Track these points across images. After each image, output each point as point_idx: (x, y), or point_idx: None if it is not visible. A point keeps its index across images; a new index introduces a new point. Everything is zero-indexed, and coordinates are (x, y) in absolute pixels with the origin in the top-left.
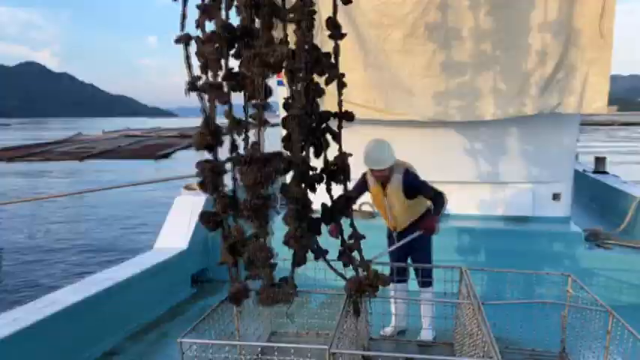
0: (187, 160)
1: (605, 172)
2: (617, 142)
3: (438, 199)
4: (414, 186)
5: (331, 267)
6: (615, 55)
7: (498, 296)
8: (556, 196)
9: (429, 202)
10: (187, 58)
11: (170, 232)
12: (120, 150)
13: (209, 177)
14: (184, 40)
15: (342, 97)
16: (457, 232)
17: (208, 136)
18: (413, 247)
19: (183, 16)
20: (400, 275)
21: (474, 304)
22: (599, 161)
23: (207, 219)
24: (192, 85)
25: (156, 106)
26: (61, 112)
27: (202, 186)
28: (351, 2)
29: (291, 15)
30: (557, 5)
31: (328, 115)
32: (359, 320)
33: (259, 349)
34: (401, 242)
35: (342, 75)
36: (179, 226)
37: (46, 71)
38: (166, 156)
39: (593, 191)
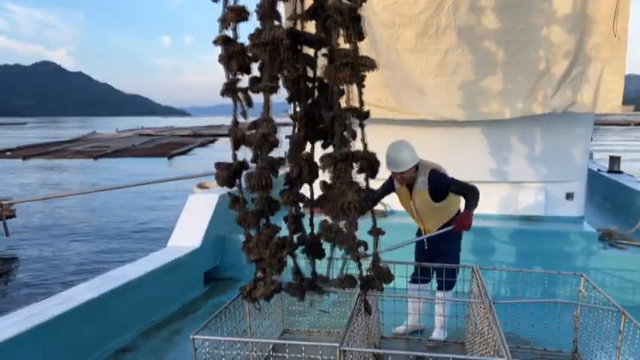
0: (203, 158)
1: (619, 172)
2: (632, 141)
3: (469, 193)
4: (442, 185)
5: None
6: (633, 54)
7: (510, 295)
8: (569, 196)
9: (459, 205)
10: (225, 58)
11: (183, 230)
12: (134, 149)
13: (264, 177)
14: (222, 40)
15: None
16: (470, 231)
17: (272, 138)
18: (439, 252)
19: (224, 19)
20: (422, 276)
21: (486, 303)
22: (614, 160)
23: (250, 219)
24: (231, 86)
25: (169, 105)
26: (75, 110)
27: (255, 185)
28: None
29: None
30: (571, 5)
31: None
32: (370, 319)
33: (271, 346)
34: (428, 235)
35: (364, 77)
36: (192, 224)
37: (61, 70)
38: (184, 153)
39: (607, 190)
